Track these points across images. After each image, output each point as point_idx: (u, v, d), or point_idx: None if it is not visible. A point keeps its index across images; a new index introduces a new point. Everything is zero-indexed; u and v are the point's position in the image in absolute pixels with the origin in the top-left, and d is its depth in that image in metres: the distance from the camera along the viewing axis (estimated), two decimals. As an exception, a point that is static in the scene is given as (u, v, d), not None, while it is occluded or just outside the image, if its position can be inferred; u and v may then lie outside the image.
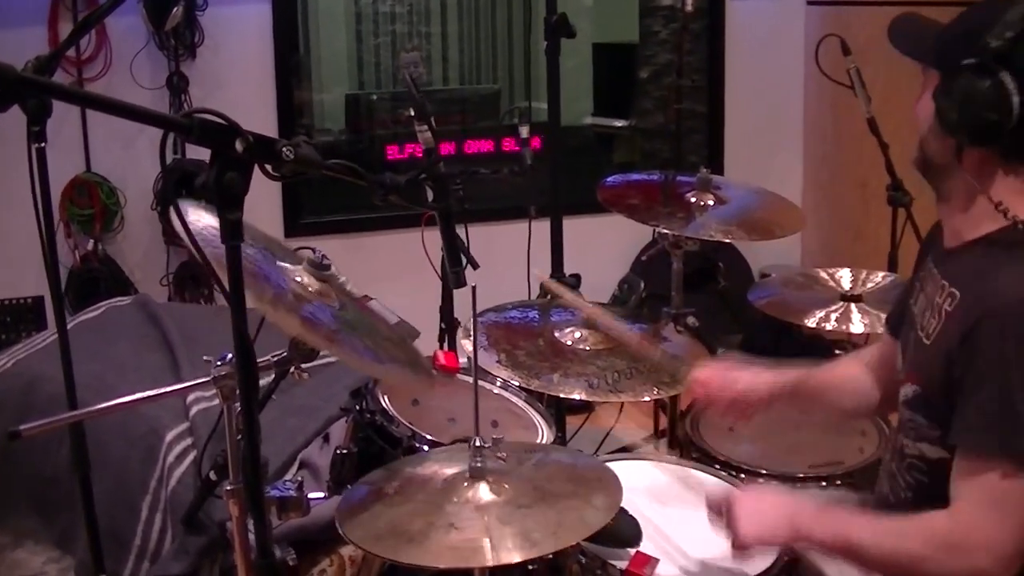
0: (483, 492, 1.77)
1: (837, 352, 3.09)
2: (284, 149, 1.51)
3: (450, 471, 1.85)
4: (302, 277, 1.88)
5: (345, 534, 1.74)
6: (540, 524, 1.70)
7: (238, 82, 4.74)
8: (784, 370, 2.23)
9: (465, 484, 1.79)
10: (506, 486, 1.78)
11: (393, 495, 1.83)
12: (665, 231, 2.86)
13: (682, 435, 2.71)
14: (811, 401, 2.27)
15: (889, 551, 1.74)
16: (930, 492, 1.80)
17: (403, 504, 1.80)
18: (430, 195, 1.92)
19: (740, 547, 1.86)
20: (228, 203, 1.43)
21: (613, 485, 1.84)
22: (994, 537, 1.65)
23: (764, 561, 1.95)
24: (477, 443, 1.80)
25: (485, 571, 1.80)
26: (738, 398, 2.23)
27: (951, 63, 1.75)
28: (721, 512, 1.90)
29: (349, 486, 2.17)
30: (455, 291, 2.49)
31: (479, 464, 1.79)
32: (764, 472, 2.46)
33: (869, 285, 2.98)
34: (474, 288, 1.81)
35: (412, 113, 1.96)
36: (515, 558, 1.64)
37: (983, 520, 1.66)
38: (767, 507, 1.87)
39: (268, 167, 1.52)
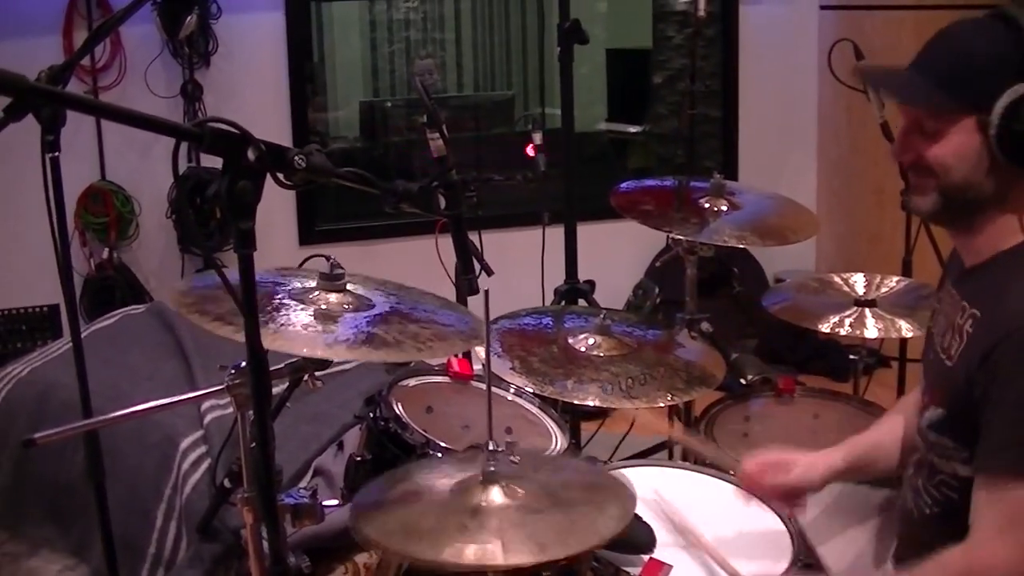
0: (495, 496, 1.76)
1: (852, 357, 3.09)
2: (296, 158, 1.51)
3: (462, 475, 1.84)
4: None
5: (358, 529, 1.73)
6: (552, 529, 1.69)
7: (252, 90, 4.77)
8: (830, 451, 2.17)
9: (478, 488, 1.78)
10: (519, 491, 1.77)
11: (405, 496, 1.83)
12: (679, 237, 2.85)
13: (696, 441, 2.70)
14: (865, 473, 2.20)
15: None
16: (958, 509, 1.78)
17: (415, 504, 1.79)
18: (442, 202, 1.93)
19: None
20: (240, 212, 1.44)
21: (627, 496, 1.83)
22: (1014, 559, 1.62)
23: (778, 567, 1.95)
24: (490, 447, 1.79)
25: (498, 574, 1.80)
26: (792, 487, 2.13)
27: (987, 97, 1.69)
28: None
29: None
30: (468, 298, 2.48)
31: (492, 468, 1.78)
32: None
33: (883, 290, 2.96)
34: (487, 293, 1.80)
35: (424, 120, 1.97)
36: (527, 561, 1.64)
37: (1000, 546, 1.64)
38: None
39: (280, 176, 1.52)
